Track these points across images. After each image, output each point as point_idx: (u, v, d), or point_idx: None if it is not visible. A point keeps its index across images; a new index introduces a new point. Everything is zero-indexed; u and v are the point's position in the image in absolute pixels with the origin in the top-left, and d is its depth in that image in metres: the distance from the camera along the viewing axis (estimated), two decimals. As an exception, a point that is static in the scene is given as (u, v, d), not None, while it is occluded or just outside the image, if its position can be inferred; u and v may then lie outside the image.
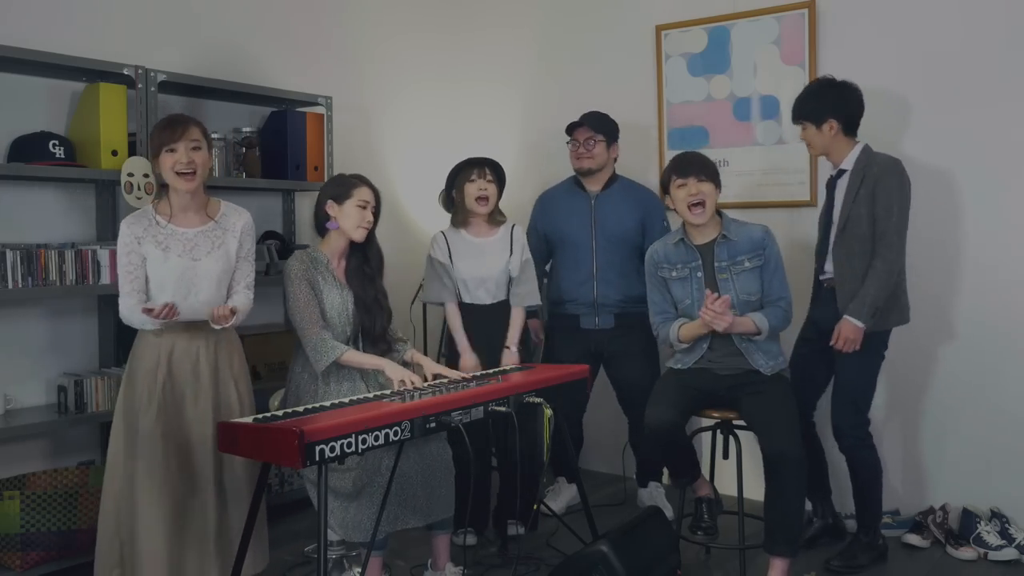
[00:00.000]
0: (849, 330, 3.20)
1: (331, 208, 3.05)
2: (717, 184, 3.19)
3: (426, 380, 3.04)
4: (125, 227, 2.78)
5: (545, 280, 3.95)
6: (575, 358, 3.61)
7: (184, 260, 2.78)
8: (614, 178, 3.91)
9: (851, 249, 3.26)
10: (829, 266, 3.34)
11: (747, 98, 4.10)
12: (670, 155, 4.31)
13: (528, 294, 3.59)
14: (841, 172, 3.33)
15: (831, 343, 3.24)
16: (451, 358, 3.54)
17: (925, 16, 3.64)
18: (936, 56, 3.62)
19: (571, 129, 3.88)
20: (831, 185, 3.38)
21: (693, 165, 3.17)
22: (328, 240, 3.10)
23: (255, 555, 2.89)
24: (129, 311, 2.77)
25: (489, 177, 3.50)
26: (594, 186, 3.88)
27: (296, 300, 2.95)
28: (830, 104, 3.28)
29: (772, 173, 3.93)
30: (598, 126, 3.84)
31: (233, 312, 2.76)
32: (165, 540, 2.71)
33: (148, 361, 2.77)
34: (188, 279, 2.78)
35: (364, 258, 3.14)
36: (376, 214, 3.11)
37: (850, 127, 3.30)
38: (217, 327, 2.76)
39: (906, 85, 3.68)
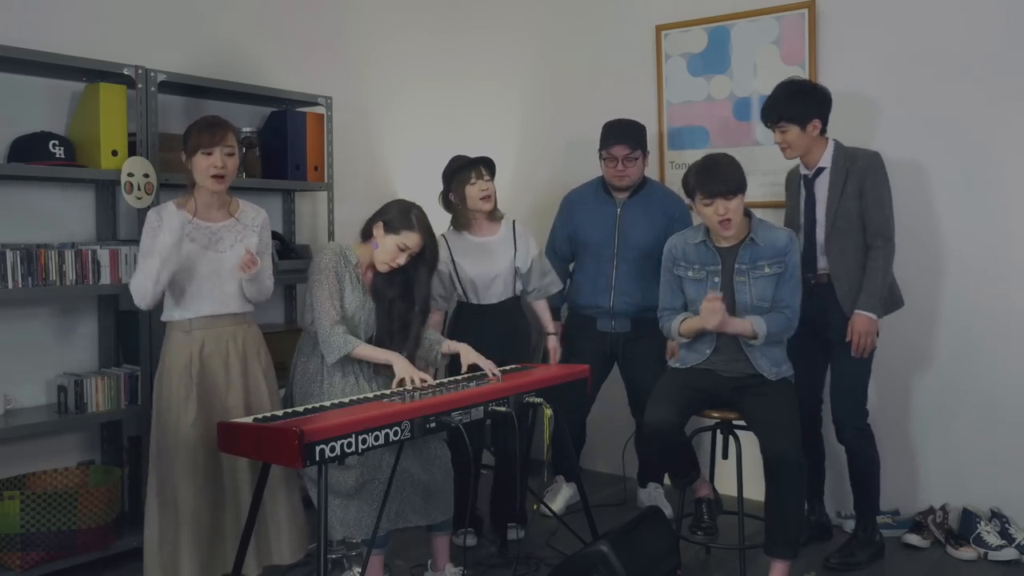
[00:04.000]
0: (863, 323, 3.24)
1: (377, 229, 3.01)
2: (744, 191, 3.05)
3: (462, 369, 3.09)
4: (158, 213, 2.82)
5: (568, 280, 3.93)
6: (591, 357, 3.60)
7: (210, 252, 2.88)
8: (643, 183, 3.81)
9: (844, 245, 3.31)
10: (820, 263, 3.36)
11: (747, 98, 4.10)
12: (670, 155, 4.32)
13: (551, 283, 3.64)
14: (820, 170, 3.36)
15: (846, 340, 3.27)
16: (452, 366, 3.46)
17: (925, 16, 3.64)
18: (937, 56, 3.62)
19: (607, 142, 3.73)
20: (809, 184, 3.40)
21: (718, 183, 3.01)
22: (364, 248, 3.07)
23: (294, 544, 3.00)
24: (145, 283, 2.74)
25: (487, 176, 3.51)
26: (622, 193, 3.79)
27: (320, 290, 2.94)
28: (815, 104, 3.32)
29: (772, 173, 3.93)
30: (637, 143, 3.70)
31: (252, 257, 2.82)
32: (203, 532, 2.81)
33: (180, 358, 2.84)
34: (215, 270, 2.88)
35: (402, 291, 3.06)
36: (428, 263, 3.05)
37: (825, 126, 3.36)
38: (246, 275, 2.84)
39: (906, 85, 3.68)
